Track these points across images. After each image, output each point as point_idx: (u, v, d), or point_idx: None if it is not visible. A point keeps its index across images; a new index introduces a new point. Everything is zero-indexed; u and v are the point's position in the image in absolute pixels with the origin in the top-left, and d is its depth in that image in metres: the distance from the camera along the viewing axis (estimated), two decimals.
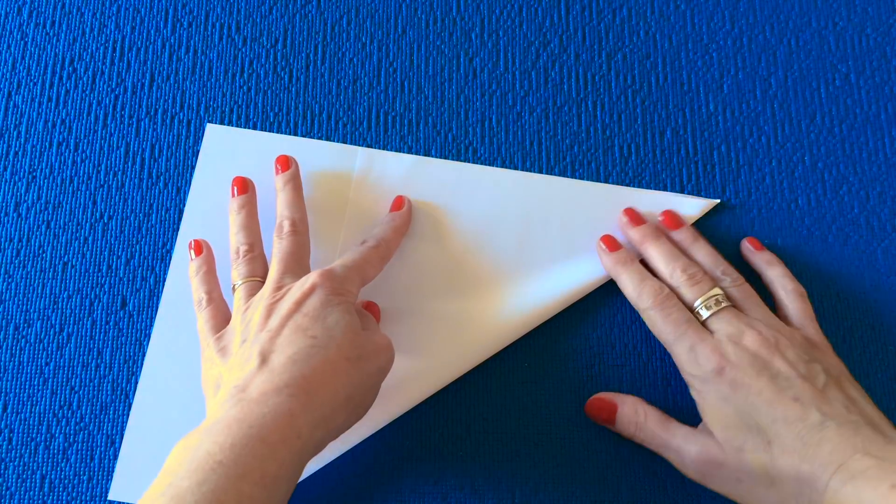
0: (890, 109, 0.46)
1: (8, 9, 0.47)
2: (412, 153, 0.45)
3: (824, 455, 0.32)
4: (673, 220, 0.42)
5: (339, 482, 0.39)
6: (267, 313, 0.34)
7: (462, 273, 0.42)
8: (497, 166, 0.44)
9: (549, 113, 0.46)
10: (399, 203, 0.42)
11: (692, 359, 0.36)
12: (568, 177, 0.44)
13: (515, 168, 0.44)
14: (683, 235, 0.41)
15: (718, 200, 0.44)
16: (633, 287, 0.39)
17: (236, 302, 0.37)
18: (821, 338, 0.38)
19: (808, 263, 0.43)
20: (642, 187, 0.44)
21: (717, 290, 0.38)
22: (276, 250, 0.38)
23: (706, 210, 0.43)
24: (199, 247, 0.41)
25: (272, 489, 0.28)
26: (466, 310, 0.41)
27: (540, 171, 0.44)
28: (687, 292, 0.38)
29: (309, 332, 0.33)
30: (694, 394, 0.37)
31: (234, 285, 0.38)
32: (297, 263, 0.38)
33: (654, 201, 0.43)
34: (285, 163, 0.42)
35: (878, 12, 0.48)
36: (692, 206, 0.43)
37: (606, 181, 0.44)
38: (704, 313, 0.37)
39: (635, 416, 0.38)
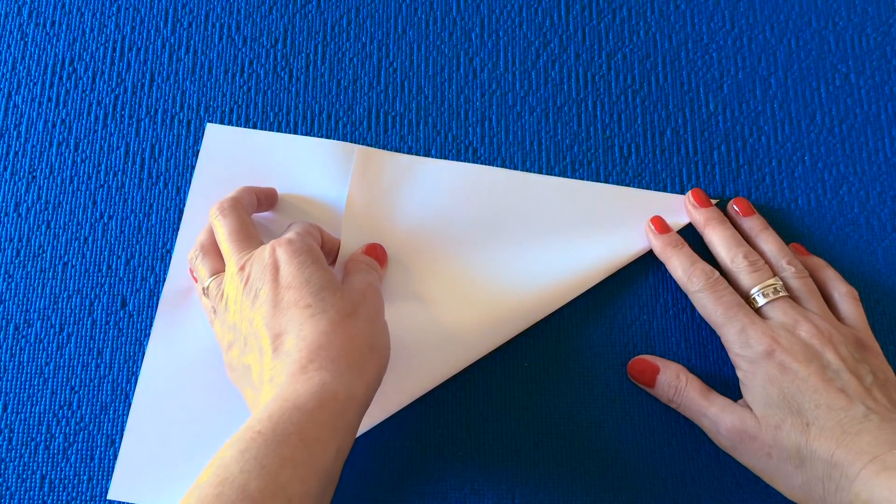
0: (890, 109, 0.46)
1: (8, 9, 0.47)
2: (412, 153, 0.45)
3: (862, 444, 0.32)
4: (745, 206, 0.42)
5: (339, 482, 0.39)
6: (248, 298, 0.34)
7: (460, 272, 0.42)
8: (497, 166, 0.44)
9: (549, 113, 0.46)
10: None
11: (743, 340, 0.37)
12: (568, 177, 0.44)
13: (515, 168, 0.44)
14: (754, 223, 0.42)
15: (718, 199, 0.44)
16: (683, 270, 0.40)
17: (212, 299, 0.37)
18: (873, 341, 0.38)
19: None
20: (642, 187, 0.44)
21: (776, 280, 0.38)
22: (217, 235, 0.38)
23: None
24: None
25: (315, 450, 0.29)
26: (464, 308, 0.41)
27: (540, 171, 0.44)
28: (746, 278, 0.39)
29: (302, 303, 0.33)
30: (740, 374, 0.37)
31: (204, 288, 0.38)
32: (247, 238, 0.37)
33: (654, 201, 0.43)
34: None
35: (878, 12, 0.48)
36: None
37: (606, 181, 0.44)
38: (761, 300, 0.38)
39: (676, 381, 0.39)
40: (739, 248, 0.40)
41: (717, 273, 0.39)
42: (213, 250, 0.39)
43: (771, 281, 0.38)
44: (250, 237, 0.37)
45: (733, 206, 0.43)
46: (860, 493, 0.31)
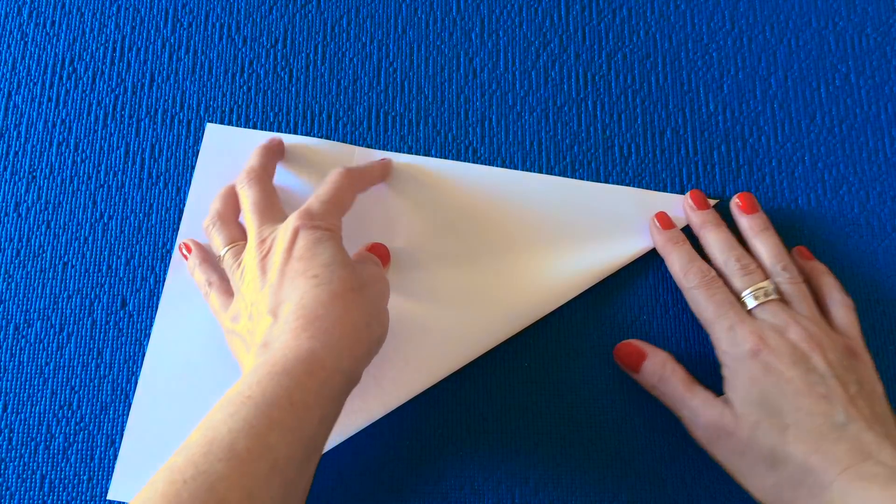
0: (890, 109, 0.46)
1: (8, 9, 0.47)
2: (412, 153, 0.45)
3: (839, 452, 0.32)
4: (748, 203, 0.42)
5: (339, 482, 0.39)
6: (262, 270, 0.35)
7: (460, 271, 0.42)
8: (497, 166, 0.44)
9: (549, 113, 0.46)
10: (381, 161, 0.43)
11: (730, 338, 0.37)
12: (568, 177, 0.44)
13: (515, 168, 0.44)
14: (754, 222, 0.41)
15: (718, 200, 0.44)
16: (680, 266, 0.40)
17: (228, 270, 0.38)
18: (864, 352, 0.38)
19: None
20: (642, 187, 0.44)
21: (767, 283, 0.38)
22: (242, 204, 0.39)
23: None
24: (188, 246, 0.41)
25: (302, 415, 0.29)
26: (464, 307, 0.41)
27: (540, 171, 0.44)
28: (738, 281, 0.39)
29: (309, 273, 0.33)
30: (724, 371, 0.37)
31: (219, 257, 0.39)
32: (271, 210, 0.38)
33: (654, 201, 0.43)
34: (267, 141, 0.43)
35: (878, 12, 0.48)
36: None
37: (606, 181, 0.44)
38: (751, 302, 0.38)
39: (662, 369, 0.38)
40: (732, 252, 0.40)
41: (714, 272, 0.39)
42: (230, 219, 0.40)
43: (762, 284, 0.38)
44: (273, 208, 0.38)
45: (736, 201, 0.42)
46: (833, 500, 0.31)
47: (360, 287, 0.34)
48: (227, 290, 0.38)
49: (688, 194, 0.43)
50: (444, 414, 0.40)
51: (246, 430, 0.28)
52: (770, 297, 0.38)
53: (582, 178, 0.44)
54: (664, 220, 0.42)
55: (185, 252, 0.41)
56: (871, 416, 0.34)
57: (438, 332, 0.40)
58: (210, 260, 0.40)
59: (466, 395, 0.41)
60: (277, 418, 0.28)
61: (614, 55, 0.47)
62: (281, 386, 0.29)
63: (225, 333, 0.37)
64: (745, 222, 0.42)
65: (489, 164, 0.44)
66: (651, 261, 0.43)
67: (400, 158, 0.44)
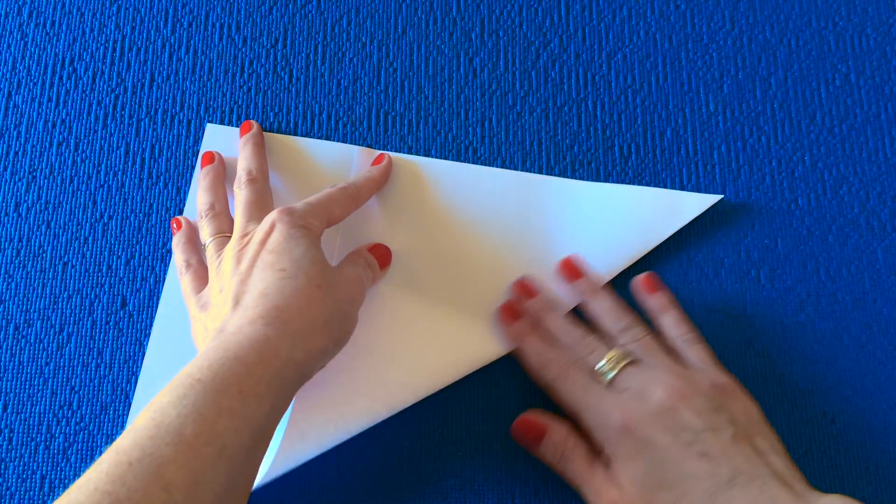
0: (890, 109, 0.46)
1: (8, 9, 0.47)
2: (412, 153, 0.45)
3: None
4: (570, 269, 0.41)
5: (339, 482, 0.39)
6: (236, 260, 0.35)
7: (460, 272, 0.42)
8: (497, 166, 0.44)
9: (549, 113, 0.46)
10: (380, 159, 0.43)
11: (597, 420, 0.35)
12: (568, 177, 0.44)
13: (515, 168, 0.44)
14: (583, 287, 0.40)
15: (722, 196, 0.44)
16: (535, 360, 0.38)
17: (209, 259, 0.38)
18: (727, 379, 0.36)
19: (808, 263, 0.43)
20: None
21: (614, 352, 0.37)
22: (236, 202, 0.39)
23: (709, 206, 0.43)
24: (178, 222, 0.42)
25: (251, 403, 0.29)
26: (463, 310, 0.41)
27: (540, 171, 0.44)
28: (589, 360, 0.38)
29: (277, 266, 0.33)
30: (606, 451, 0.35)
31: (203, 245, 0.39)
32: (260, 210, 0.38)
33: (656, 199, 0.43)
34: (247, 126, 0.43)
35: (878, 12, 0.48)
36: (696, 202, 0.43)
37: (606, 181, 0.44)
38: (609, 375, 0.36)
39: (563, 445, 0.36)
40: (570, 336, 0.39)
41: (570, 356, 0.38)
42: (223, 212, 0.40)
43: (610, 354, 0.37)
44: (264, 207, 0.39)
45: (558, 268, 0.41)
46: None
47: (327, 286, 0.34)
48: (203, 276, 0.39)
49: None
50: (443, 414, 0.40)
51: (194, 415, 0.28)
52: (623, 363, 0.36)
53: (582, 178, 0.44)
54: (509, 313, 0.40)
55: (174, 227, 0.42)
56: (755, 454, 0.33)
57: (440, 335, 0.40)
58: (196, 242, 0.41)
59: (466, 395, 0.41)
60: (227, 405, 0.28)
61: (614, 55, 0.47)
62: (232, 372, 0.29)
63: (191, 319, 0.38)
64: (574, 288, 0.40)
65: (489, 164, 0.44)
66: (651, 261, 0.43)
67: (399, 159, 0.44)
